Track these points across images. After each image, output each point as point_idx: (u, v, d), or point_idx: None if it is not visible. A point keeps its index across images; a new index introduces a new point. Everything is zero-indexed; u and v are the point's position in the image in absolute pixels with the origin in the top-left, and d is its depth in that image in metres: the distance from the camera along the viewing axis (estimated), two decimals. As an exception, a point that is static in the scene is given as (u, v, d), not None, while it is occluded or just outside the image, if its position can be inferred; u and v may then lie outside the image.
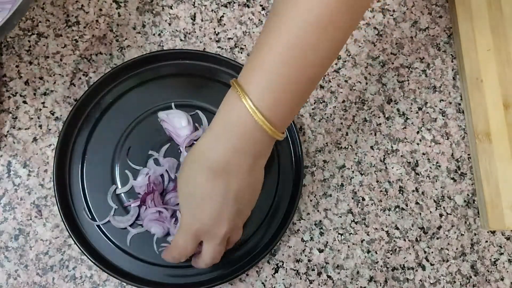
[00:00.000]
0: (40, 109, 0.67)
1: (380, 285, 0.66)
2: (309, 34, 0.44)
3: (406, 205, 0.69)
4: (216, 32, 0.72)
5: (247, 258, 0.63)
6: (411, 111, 0.72)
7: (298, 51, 0.44)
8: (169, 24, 0.72)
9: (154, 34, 0.71)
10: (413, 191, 0.69)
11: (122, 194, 0.65)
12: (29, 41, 0.69)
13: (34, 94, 0.67)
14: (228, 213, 0.51)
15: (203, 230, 0.52)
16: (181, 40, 0.71)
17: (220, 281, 0.61)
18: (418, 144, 0.71)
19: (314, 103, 0.70)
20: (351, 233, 0.67)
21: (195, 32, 0.72)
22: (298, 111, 0.49)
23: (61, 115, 0.67)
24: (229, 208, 0.50)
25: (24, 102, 0.67)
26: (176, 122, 0.65)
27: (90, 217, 0.64)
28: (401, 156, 0.70)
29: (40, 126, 0.67)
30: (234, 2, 0.73)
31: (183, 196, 0.52)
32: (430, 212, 0.69)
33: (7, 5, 0.57)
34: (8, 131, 0.66)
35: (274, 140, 0.49)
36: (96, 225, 0.63)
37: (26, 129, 0.66)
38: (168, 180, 0.65)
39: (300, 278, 0.65)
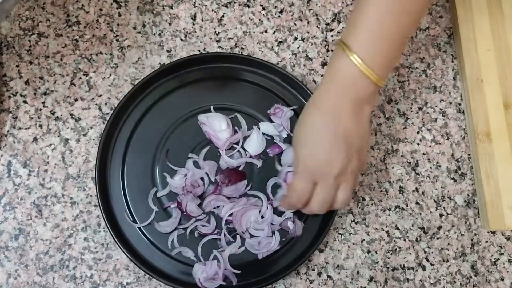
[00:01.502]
0: (41, 109, 0.67)
1: (380, 285, 0.66)
2: None
3: (406, 205, 0.69)
4: (217, 32, 0.72)
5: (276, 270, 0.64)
6: (411, 111, 0.72)
7: (394, 7, 0.54)
8: (170, 24, 0.72)
9: (154, 34, 0.71)
10: (413, 191, 0.69)
11: (163, 197, 0.65)
12: (29, 40, 0.69)
13: (35, 93, 0.67)
14: (339, 152, 0.56)
15: (319, 167, 0.56)
16: (181, 40, 0.71)
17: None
18: (418, 144, 0.71)
19: (315, 103, 0.70)
20: (351, 233, 0.67)
21: (195, 32, 0.72)
22: (396, 62, 0.60)
23: (61, 115, 0.67)
24: (339, 147, 0.56)
25: (25, 101, 0.67)
26: (216, 125, 0.66)
27: (131, 219, 0.64)
28: (401, 156, 0.70)
29: (41, 126, 0.67)
30: (235, 2, 0.73)
31: (299, 138, 0.58)
32: (430, 212, 0.69)
33: None
34: (8, 131, 0.66)
35: (377, 87, 0.56)
36: (137, 227, 0.64)
37: (26, 128, 0.66)
38: (208, 183, 0.65)
39: (300, 278, 0.65)
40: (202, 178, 0.65)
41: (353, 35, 0.55)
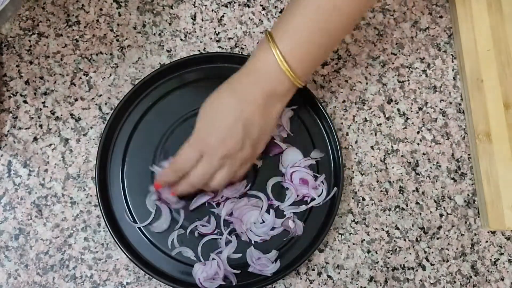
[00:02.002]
0: (41, 109, 0.67)
1: (380, 285, 0.66)
2: None
3: (406, 205, 0.69)
4: (217, 32, 0.72)
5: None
6: (412, 111, 0.72)
7: (323, 13, 0.54)
8: (170, 24, 0.72)
9: (154, 34, 0.71)
10: (413, 191, 0.69)
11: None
12: (29, 40, 0.69)
13: (35, 93, 0.67)
14: (235, 134, 0.56)
15: (210, 141, 0.57)
16: (181, 40, 0.71)
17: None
18: (418, 144, 0.71)
19: (315, 103, 0.70)
20: (351, 233, 0.67)
21: (195, 32, 0.72)
22: (317, 65, 0.60)
23: (61, 115, 0.67)
24: (237, 130, 0.56)
25: (25, 101, 0.67)
26: None
27: (131, 219, 0.64)
28: (402, 156, 0.70)
29: (41, 125, 0.67)
30: (235, 2, 0.73)
31: (204, 110, 0.58)
32: (430, 212, 0.69)
33: None
34: (8, 131, 0.66)
35: (294, 86, 0.57)
36: (137, 227, 0.64)
37: (26, 128, 0.66)
38: None
39: (300, 278, 0.65)
40: None
41: (281, 30, 0.55)
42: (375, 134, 0.71)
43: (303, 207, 0.65)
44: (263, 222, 0.64)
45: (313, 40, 0.55)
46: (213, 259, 0.62)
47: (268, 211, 0.65)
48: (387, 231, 0.68)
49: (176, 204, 0.63)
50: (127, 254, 0.61)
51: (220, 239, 0.64)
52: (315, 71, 0.71)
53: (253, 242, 0.64)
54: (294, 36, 0.55)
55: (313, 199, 0.65)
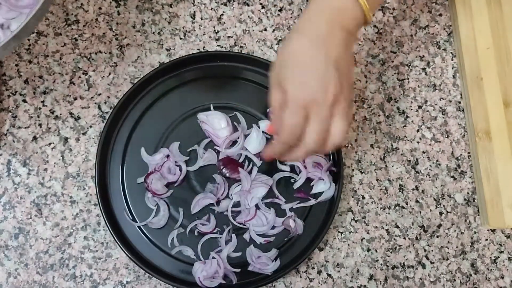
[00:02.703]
0: (40, 108, 0.67)
1: (380, 284, 0.66)
2: None
3: (406, 204, 0.69)
4: (216, 31, 0.72)
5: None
6: (411, 109, 0.72)
7: None
8: (169, 23, 0.71)
9: (153, 33, 0.71)
10: (413, 189, 0.69)
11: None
12: (28, 39, 0.69)
13: (34, 93, 0.67)
14: (331, 78, 0.51)
15: (311, 96, 0.51)
16: (180, 38, 0.71)
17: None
18: (418, 142, 0.71)
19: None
20: (351, 232, 0.67)
21: (194, 30, 0.72)
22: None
23: (61, 114, 0.67)
24: (332, 73, 0.51)
25: (24, 101, 0.67)
26: (215, 124, 0.66)
27: (131, 218, 0.64)
28: (401, 154, 0.70)
29: (40, 125, 0.67)
30: (234, 1, 0.73)
31: (284, 68, 0.53)
32: (430, 210, 0.69)
33: (25, 10, 0.57)
34: (8, 130, 0.66)
35: (363, 21, 0.54)
36: (137, 226, 0.64)
37: (25, 127, 0.66)
38: (183, 175, 0.65)
39: (300, 277, 0.65)
40: (180, 169, 0.65)
41: None
42: (375, 133, 0.71)
43: (311, 202, 0.65)
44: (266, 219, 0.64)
45: None
46: (213, 258, 0.62)
47: (269, 206, 0.65)
48: (387, 230, 0.68)
49: (164, 193, 0.64)
50: (127, 253, 0.61)
51: (220, 237, 0.64)
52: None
53: (258, 243, 0.64)
54: None
55: (321, 194, 0.65)
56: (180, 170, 0.65)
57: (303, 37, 0.52)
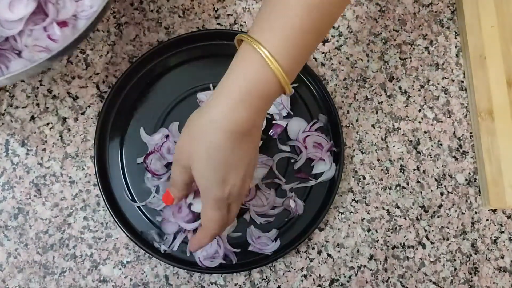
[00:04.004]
0: (37, 87, 0.66)
1: (380, 263, 0.66)
2: None
3: (407, 184, 0.68)
4: (215, 9, 0.71)
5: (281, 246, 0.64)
6: (413, 89, 0.71)
7: (316, 10, 0.45)
8: (168, 0, 0.70)
9: (152, 11, 0.70)
10: (414, 169, 0.69)
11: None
12: (24, 17, 0.68)
13: (31, 72, 0.67)
14: (252, 170, 0.51)
15: (234, 192, 0.50)
16: (179, 16, 0.70)
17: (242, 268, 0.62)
18: (420, 122, 0.70)
19: (315, 81, 0.69)
20: (351, 212, 0.67)
21: (193, 8, 0.70)
22: (304, 63, 0.50)
23: (58, 94, 0.66)
24: (253, 166, 0.51)
25: (21, 80, 0.66)
26: None
27: (130, 198, 0.64)
28: (403, 134, 0.70)
29: (38, 104, 0.66)
30: (234, -22, 0.72)
31: (208, 167, 0.48)
32: (431, 190, 0.69)
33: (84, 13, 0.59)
34: (5, 110, 0.65)
35: (279, 95, 0.48)
36: (137, 206, 0.64)
37: (23, 107, 0.66)
38: None
39: (300, 257, 0.65)
40: None
41: (265, 31, 0.46)
42: (376, 112, 0.70)
43: (312, 182, 0.65)
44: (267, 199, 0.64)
45: (303, 40, 0.46)
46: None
47: (269, 187, 0.65)
48: (387, 210, 0.68)
49: (164, 173, 0.63)
50: (126, 233, 0.61)
51: None
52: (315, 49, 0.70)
53: (258, 223, 0.64)
54: (281, 36, 0.45)
55: (321, 174, 0.65)
56: None
57: (227, 132, 0.46)
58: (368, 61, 0.71)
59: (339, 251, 0.66)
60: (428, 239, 0.67)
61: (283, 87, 0.47)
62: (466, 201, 0.69)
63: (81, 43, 0.59)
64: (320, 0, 0.46)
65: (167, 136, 0.64)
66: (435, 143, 0.70)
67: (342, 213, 0.67)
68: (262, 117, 0.49)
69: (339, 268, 0.65)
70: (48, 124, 0.66)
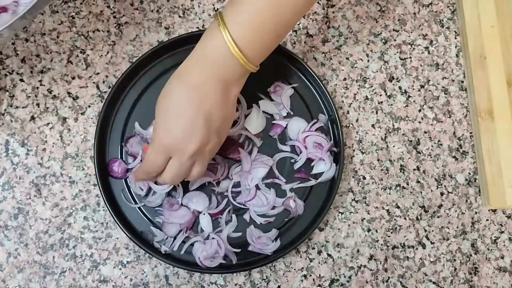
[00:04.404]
0: (38, 87, 0.66)
1: (380, 263, 0.66)
2: None
3: (407, 184, 0.68)
4: (215, 8, 0.71)
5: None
6: (413, 89, 0.71)
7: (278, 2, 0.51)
8: (168, 0, 0.70)
9: (152, 11, 0.70)
10: (414, 169, 0.69)
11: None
12: (24, 17, 0.67)
13: (31, 72, 0.67)
14: (198, 130, 0.54)
15: (174, 144, 0.54)
16: (179, 16, 0.70)
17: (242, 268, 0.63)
18: (419, 122, 0.70)
19: (315, 81, 0.69)
20: (351, 212, 0.67)
21: (193, 8, 0.70)
22: (268, 52, 0.56)
23: (58, 93, 0.66)
24: (199, 126, 0.53)
25: (21, 80, 0.66)
26: None
27: (130, 198, 0.64)
28: (403, 134, 0.70)
29: (38, 104, 0.66)
30: (234, -22, 0.71)
31: (160, 110, 0.55)
32: (431, 190, 0.69)
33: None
34: (5, 110, 0.65)
35: (247, 72, 0.54)
36: (137, 207, 0.64)
37: (23, 107, 0.66)
38: None
39: (300, 257, 0.65)
40: None
41: (232, 14, 0.52)
42: (376, 112, 0.70)
43: (312, 182, 0.65)
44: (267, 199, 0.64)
45: (265, 25, 0.52)
46: (213, 238, 0.62)
47: (269, 187, 0.65)
48: (387, 210, 0.68)
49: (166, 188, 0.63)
50: (127, 233, 0.61)
51: (220, 218, 0.64)
52: (315, 49, 0.70)
53: (258, 223, 0.64)
54: (245, 19, 0.51)
55: (321, 174, 0.65)
56: None
57: (180, 84, 0.54)
58: (368, 61, 0.71)
59: (339, 251, 0.66)
60: (428, 239, 0.67)
61: (243, 65, 0.53)
62: (466, 201, 0.69)
63: (19, 29, 0.57)
64: None
65: None
66: (435, 143, 0.70)
67: (342, 213, 0.67)
68: (214, 81, 0.53)
69: (339, 268, 0.65)
70: (48, 124, 0.66)
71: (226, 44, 0.51)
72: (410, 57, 0.72)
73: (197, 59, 0.54)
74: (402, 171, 0.69)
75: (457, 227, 0.68)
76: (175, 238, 0.62)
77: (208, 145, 0.55)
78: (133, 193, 0.64)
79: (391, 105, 0.70)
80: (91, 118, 0.66)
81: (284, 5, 0.52)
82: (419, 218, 0.68)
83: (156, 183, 0.62)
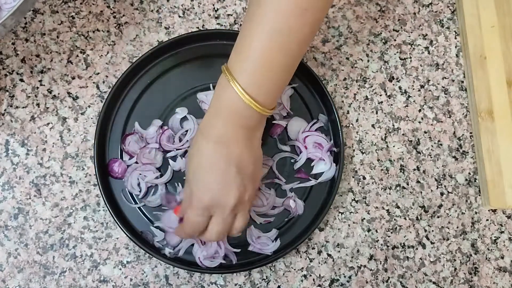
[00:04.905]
0: (38, 87, 0.66)
1: (380, 264, 0.66)
2: (290, 19, 0.49)
3: (407, 184, 0.68)
4: (215, 9, 0.71)
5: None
6: (413, 89, 0.71)
7: (280, 36, 0.50)
8: (168, 0, 0.70)
9: (152, 11, 0.70)
10: (414, 169, 0.69)
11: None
12: (24, 17, 0.67)
13: (31, 72, 0.67)
14: (233, 180, 0.53)
15: (213, 200, 0.53)
16: (179, 16, 0.70)
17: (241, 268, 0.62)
18: (419, 122, 0.70)
19: (315, 81, 0.69)
20: (351, 212, 0.67)
21: (193, 8, 0.70)
22: (283, 90, 0.56)
23: (58, 93, 0.66)
24: (233, 175, 0.53)
25: (21, 80, 0.66)
26: None
27: (130, 198, 0.64)
28: (403, 134, 0.70)
29: (38, 104, 0.66)
30: (234, -22, 0.72)
31: (191, 170, 0.55)
32: (431, 190, 0.69)
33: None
34: (5, 110, 0.65)
35: (263, 116, 0.54)
36: (137, 207, 0.64)
37: (23, 107, 0.66)
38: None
39: (300, 257, 0.65)
40: (180, 139, 0.64)
41: (238, 63, 0.52)
42: (376, 112, 0.70)
43: (312, 182, 0.65)
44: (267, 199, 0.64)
45: (274, 66, 0.51)
46: None
47: (269, 187, 0.65)
48: (387, 210, 0.68)
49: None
50: (127, 233, 0.61)
51: None
52: (315, 49, 0.70)
53: (258, 223, 0.64)
54: (252, 65, 0.51)
55: (321, 174, 0.65)
56: (180, 140, 0.64)
57: (204, 139, 0.54)
58: (368, 61, 0.71)
59: (339, 251, 0.66)
60: (428, 239, 0.67)
61: (257, 110, 0.52)
62: (466, 201, 0.69)
63: (3, 36, 0.58)
64: (280, 26, 0.49)
65: (161, 127, 0.64)
66: (435, 143, 0.70)
67: (342, 213, 0.67)
68: (236, 128, 0.53)
69: (339, 268, 0.65)
70: (48, 124, 0.66)
71: (239, 96, 0.51)
72: (410, 57, 0.72)
73: (215, 111, 0.53)
74: (402, 171, 0.69)
75: (457, 227, 0.68)
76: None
77: (246, 193, 0.55)
78: (133, 193, 0.64)
79: (391, 105, 0.70)
80: (91, 118, 0.66)
81: (289, 40, 0.50)
82: (419, 218, 0.68)
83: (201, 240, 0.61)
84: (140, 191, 0.63)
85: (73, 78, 0.67)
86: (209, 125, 0.54)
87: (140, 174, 0.63)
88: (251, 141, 0.55)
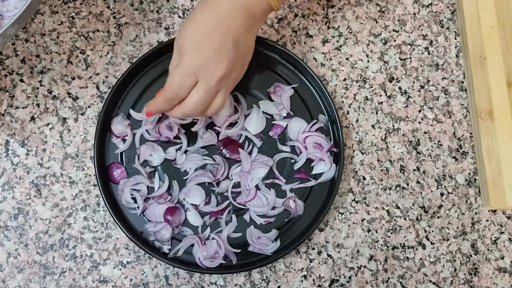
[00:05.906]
0: (37, 88, 0.66)
1: (380, 264, 0.66)
2: None
3: (407, 184, 0.68)
4: (215, 9, 0.71)
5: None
6: (413, 89, 0.71)
7: None
8: (167, 1, 0.70)
9: (152, 11, 0.70)
10: (414, 170, 0.69)
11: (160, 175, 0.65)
12: (25, 18, 0.68)
13: (31, 72, 0.67)
14: (228, 53, 0.54)
15: (204, 64, 0.54)
16: (179, 17, 0.70)
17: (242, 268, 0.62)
18: (419, 122, 0.70)
19: (315, 81, 0.69)
20: (351, 212, 0.67)
21: (193, 8, 0.70)
22: None
23: (58, 94, 0.66)
24: (229, 48, 0.54)
25: (21, 80, 0.66)
26: None
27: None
28: (403, 135, 0.70)
29: (38, 104, 0.66)
30: (234, -22, 0.71)
31: (186, 35, 0.55)
32: (431, 191, 0.69)
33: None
34: (5, 110, 0.65)
35: (270, 9, 0.56)
36: (136, 206, 0.63)
37: (23, 108, 0.66)
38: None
39: (300, 257, 0.65)
40: (178, 128, 0.64)
41: None
42: (376, 113, 0.70)
43: (312, 183, 0.65)
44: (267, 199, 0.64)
45: None
46: (213, 238, 0.62)
47: (269, 187, 0.65)
48: (387, 210, 0.68)
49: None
50: (126, 233, 0.61)
51: (220, 218, 0.64)
52: (315, 49, 0.70)
53: (258, 223, 0.64)
54: None
55: (321, 174, 0.65)
56: (178, 130, 0.64)
57: (207, 11, 0.55)
58: (368, 61, 0.71)
59: (339, 252, 0.66)
60: (428, 239, 0.67)
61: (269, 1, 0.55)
62: (466, 201, 0.69)
63: (5, 43, 0.58)
64: None
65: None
66: (435, 143, 0.70)
67: (342, 214, 0.67)
68: (241, 10, 0.54)
69: (339, 269, 0.65)
70: (48, 124, 0.66)
71: None
72: (410, 58, 0.72)
73: None
74: (402, 171, 0.69)
75: (457, 228, 0.68)
76: (172, 239, 0.62)
77: (234, 72, 0.56)
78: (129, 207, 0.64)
79: (391, 105, 0.70)
80: (91, 119, 0.66)
81: None
82: (419, 218, 0.68)
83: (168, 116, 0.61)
84: (138, 208, 0.63)
85: (73, 78, 0.67)
86: (215, 1, 0.55)
87: (132, 189, 0.63)
88: (251, 28, 0.56)
